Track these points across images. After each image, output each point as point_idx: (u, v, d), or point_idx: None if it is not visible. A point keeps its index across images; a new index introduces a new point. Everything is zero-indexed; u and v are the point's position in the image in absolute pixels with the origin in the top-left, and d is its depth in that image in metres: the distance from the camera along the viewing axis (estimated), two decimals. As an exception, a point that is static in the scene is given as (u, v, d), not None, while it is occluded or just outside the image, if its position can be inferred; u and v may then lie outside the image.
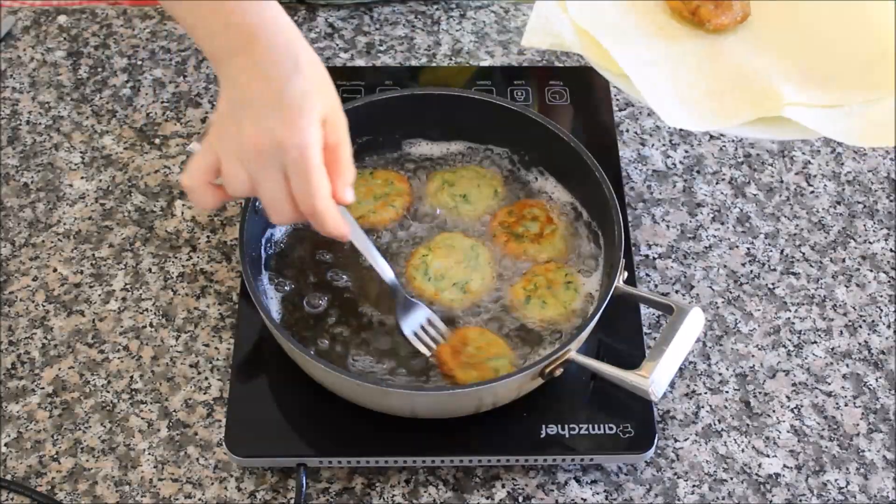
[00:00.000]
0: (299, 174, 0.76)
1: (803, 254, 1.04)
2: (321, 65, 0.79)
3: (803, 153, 1.11)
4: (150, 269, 1.01)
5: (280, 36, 0.78)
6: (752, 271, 1.02)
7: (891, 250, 1.04)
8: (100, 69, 1.16)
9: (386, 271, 0.91)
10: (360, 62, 1.17)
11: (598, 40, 0.93)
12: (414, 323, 0.91)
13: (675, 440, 0.92)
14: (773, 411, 0.94)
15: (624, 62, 0.92)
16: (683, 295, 1.01)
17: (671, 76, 0.95)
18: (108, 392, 0.94)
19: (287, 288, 0.94)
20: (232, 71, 0.78)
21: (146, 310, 0.99)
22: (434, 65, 1.16)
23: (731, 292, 1.01)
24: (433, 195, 1.00)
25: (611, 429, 0.89)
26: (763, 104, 0.92)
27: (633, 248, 1.03)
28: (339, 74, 1.14)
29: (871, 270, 1.03)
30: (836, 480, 0.90)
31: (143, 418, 0.92)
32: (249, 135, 0.76)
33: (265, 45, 0.77)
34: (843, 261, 1.03)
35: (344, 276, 0.95)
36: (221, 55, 0.80)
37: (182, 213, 1.05)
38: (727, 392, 0.95)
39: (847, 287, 1.02)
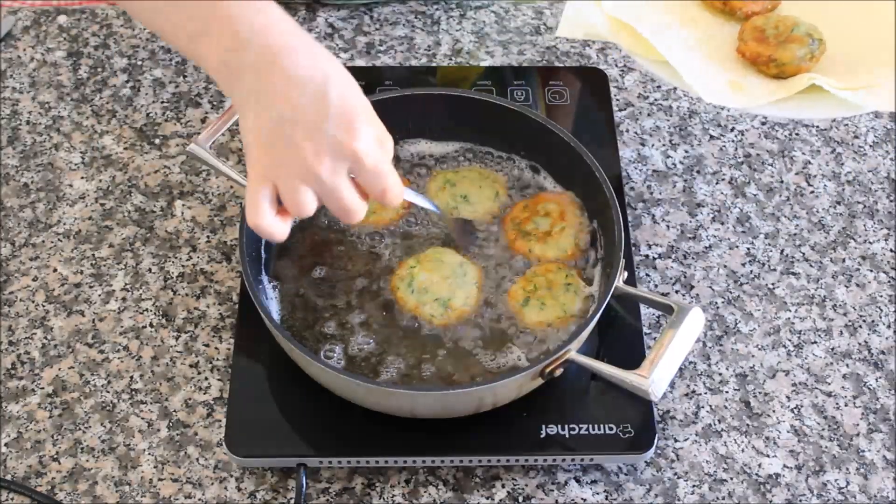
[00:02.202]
0: (372, 174, 0.77)
1: (803, 254, 1.04)
2: (338, 60, 0.79)
3: (803, 153, 1.11)
4: (150, 269, 1.01)
5: (302, 46, 0.76)
6: (752, 271, 1.02)
7: (891, 250, 1.04)
8: (100, 69, 1.16)
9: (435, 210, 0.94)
10: (360, 62, 1.17)
11: (634, 29, 0.96)
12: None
13: (675, 440, 0.92)
14: (773, 411, 0.94)
15: (662, 47, 0.95)
16: (683, 295, 1.01)
17: (706, 60, 0.98)
18: (108, 392, 0.94)
19: (287, 288, 0.94)
20: (255, 90, 0.75)
21: (146, 310, 0.99)
22: (446, 64, 1.17)
23: (731, 292, 1.01)
24: (434, 195, 0.99)
25: (611, 429, 0.89)
26: (793, 82, 0.95)
27: (633, 248, 1.03)
28: (339, 74, 1.14)
29: (871, 270, 1.03)
30: (836, 480, 0.90)
31: (143, 418, 0.92)
32: (309, 151, 0.74)
33: (292, 61, 0.75)
34: (843, 261, 1.04)
35: (343, 276, 0.95)
36: (235, 77, 0.76)
37: (182, 213, 1.05)
38: (727, 392, 0.95)
39: (847, 287, 1.02)
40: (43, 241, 1.03)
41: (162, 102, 1.14)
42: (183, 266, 1.01)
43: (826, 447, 0.92)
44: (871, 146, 1.12)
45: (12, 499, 0.88)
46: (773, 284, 1.02)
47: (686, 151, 1.11)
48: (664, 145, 1.11)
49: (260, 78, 0.75)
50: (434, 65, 1.17)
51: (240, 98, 0.77)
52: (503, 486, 0.89)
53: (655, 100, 1.15)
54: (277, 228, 0.78)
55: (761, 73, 0.98)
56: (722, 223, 1.06)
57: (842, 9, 1.01)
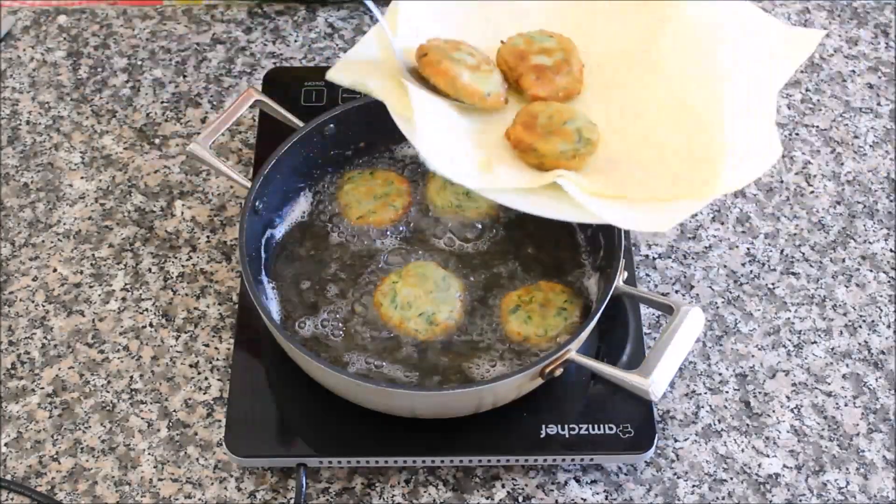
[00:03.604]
0: None
1: (803, 254, 1.04)
2: None
3: (803, 153, 1.11)
4: (150, 269, 1.01)
5: None
6: (752, 271, 1.02)
7: (891, 250, 1.04)
8: (100, 69, 1.17)
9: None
10: (360, 62, 1.17)
11: (402, 82, 0.85)
12: None
13: (675, 440, 0.92)
14: (773, 411, 0.94)
15: (420, 112, 0.83)
16: (683, 295, 1.01)
17: (464, 134, 0.87)
18: (108, 392, 0.94)
19: (287, 288, 0.94)
20: None
21: (146, 310, 0.99)
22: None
23: (731, 292, 1.01)
24: (436, 195, 0.99)
25: (611, 429, 0.89)
26: (542, 176, 0.83)
27: (633, 248, 1.03)
28: (339, 74, 1.14)
29: (871, 270, 1.03)
30: (836, 480, 0.90)
31: (143, 418, 0.92)
32: None
33: None
34: (843, 261, 1.04)
35: (344, 276, 0.95)
36: None
37: (182, 213, 1.05)
38: (727, 392, 0.95)
39: (847, 287, 1.02)
40: (43, 241, 1.03)
41: (162, 102, 1.14)
42: (183, 266, 1.01)
43: (826, 447, 0.92)
44: (871, 146, 1.12)
45: (12, 499, 0.88)
46: (773, 284, 1.02)
47: (686, 151, 1.11)
48: (664, 145, 1.11)
49: None
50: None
51: None
52: (503, 486, 0.89)
53: (655, 100, 1.15)
54: None
55: (522, 160, 0.86)
56: (722, 223, 1.06)
57: (646, 120, 0.88)
